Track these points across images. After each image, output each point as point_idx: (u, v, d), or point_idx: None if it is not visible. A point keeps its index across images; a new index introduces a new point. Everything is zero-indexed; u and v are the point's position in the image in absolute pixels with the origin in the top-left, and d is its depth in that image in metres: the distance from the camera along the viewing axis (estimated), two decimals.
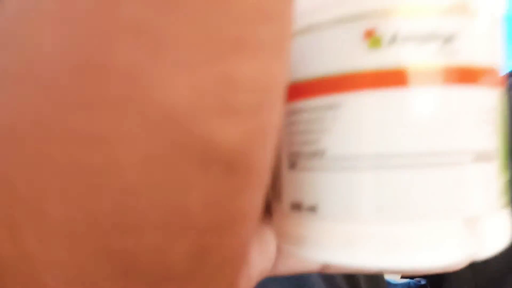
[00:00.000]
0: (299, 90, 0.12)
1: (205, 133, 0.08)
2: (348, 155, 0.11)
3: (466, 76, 0.11)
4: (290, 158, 0.13)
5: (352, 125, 0.11)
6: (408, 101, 0.11)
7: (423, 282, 0.40)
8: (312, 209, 0.12)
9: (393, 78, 0.11)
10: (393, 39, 0.11)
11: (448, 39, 0.11)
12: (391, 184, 0.11)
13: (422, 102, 0.11)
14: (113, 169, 0.08)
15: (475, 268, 0.33)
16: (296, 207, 0.13)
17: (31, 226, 0.09)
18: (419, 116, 0.11)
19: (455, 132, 0.11)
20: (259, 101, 0.08)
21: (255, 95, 0.08)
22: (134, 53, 0.07)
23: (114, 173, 0.08)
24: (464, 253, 0.11)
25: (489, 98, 0.11)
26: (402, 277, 0.43)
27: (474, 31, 0.11)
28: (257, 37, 0.08)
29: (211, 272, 0.10)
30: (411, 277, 0.41)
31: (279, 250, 0.18)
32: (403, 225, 0.11)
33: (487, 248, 0.11)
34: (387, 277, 0.37)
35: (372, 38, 0.11)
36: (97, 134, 0.08)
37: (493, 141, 0.11)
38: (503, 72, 0.12)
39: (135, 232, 0.09)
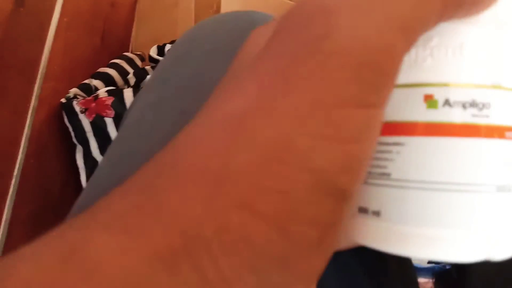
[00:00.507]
0: None
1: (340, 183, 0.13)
2: (405, 178, 0.16)
3: (494, 132, 0.16)
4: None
5: (410, 159, 0.16)
6: (449, 147, 0.16)
7: (448, 267, 0.40)
8: (376, 213, 0.17)
9: (442, 130, 0.16)
10: (445, 103, 0.16)
11: (483, 107, 0.16)
12: (430, 202, 0.16)
13: (459, 148, 0.16)
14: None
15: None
16: (363, 211, 0.18)
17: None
18: (456, 157, 0.16)
19: (482, 171, 0.16)
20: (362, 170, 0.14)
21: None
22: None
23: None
24: (481, 256, 0.16)
25: (509, 148, 0.16)
26: (429, 262, 0.43)
27: (504, 101, 0.16)
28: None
29: (329, 245, 0.13)
30: (437, 262, 0.42)
31: None
32: (438, 230, 0.16)
33: (500, 253, 0.16)
34: (414, 262, 0.37)
35: (430, 101, 0.16)
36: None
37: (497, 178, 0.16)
38: None
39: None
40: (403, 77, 0.17)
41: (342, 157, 0.12)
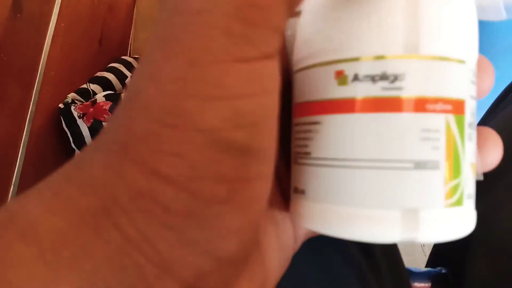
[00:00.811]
0: (299, 110, 0.18)
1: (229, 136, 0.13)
2: (323, 157, 0.16)
3: (407, 105, 0.15)
4: (293, 156, 0.18)
5: (326, 137, 0.16)
6: (361, 123, 0.15)
7: (443, 271, 0.41)
8: (302, 192, 0.17)
9: (353, 106, 0.15)
10: (355, 78, 0.15)
11: (394, 79, 0.15)
12: (347, 179, 0.16)
13: (372, 124, 0.15)
14: None
15: (494, 257, 0.33)
16: (295, 190, 0.18)
17: None
18: (368, 133, 0.15)
19: (396, 146, 0.15)
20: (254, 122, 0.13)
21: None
22: None
23: None
24: (400, 236, 0.15)
25: (432, 121, 0.15)
26: (426, 266, 0.43)
27: (418, 72, 0.15)
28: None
29: (243, 201, 0.13)
30: (433, 266, 0.42)
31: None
32: (355, 208, 0.15)
33: (425, 235, 0.15)
34: (410, 266, 0.37)
35: (340, 77, 0.16)
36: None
37: (435, 155, 0.15)
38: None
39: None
40: (318, 56, 0.16)
41: (231, 113, 0.13)
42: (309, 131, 0.17)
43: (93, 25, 1.00)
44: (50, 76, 0.85)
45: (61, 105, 0.85)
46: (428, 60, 0.15)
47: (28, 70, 0.81)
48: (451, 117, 0.15)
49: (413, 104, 0.15)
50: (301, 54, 0.17)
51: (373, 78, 0.15)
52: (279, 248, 0.19)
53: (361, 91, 0.15)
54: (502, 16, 0.18)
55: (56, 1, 0.90)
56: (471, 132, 0.16)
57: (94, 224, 0.13)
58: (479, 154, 0.18)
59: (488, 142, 0.18)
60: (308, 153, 0.17)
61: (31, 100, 0.82)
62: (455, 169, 0.16)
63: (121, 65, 0.98)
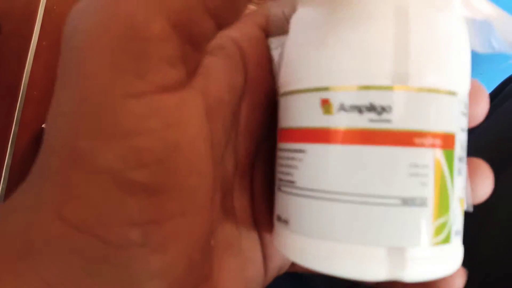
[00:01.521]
0: (283, 135, 0.17)
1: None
2: (307, 187, 0.15)
3: (394, 138, 0.14)
4: (277, 183, 0.17)
5: (311, 167, 0.15)
6: (347, 154, 0.15)
7: None
8: (286, 222, 0.16)
9: (338, 137, 0.15)
10: (341, 108, 0.15)
11: (382, 111, 0.14)
12: (332, 212, 0.15)
13: (359, 156, 0.14)
14: None
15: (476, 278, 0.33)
16: (278, 219, 0.17)
17: None
18: (355, 166, 0.14)
19: (383, 181, 0.14)
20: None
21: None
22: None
23: None
24: (385, 274, 0.14)
25: (420, 156, 0.14)
26: None
27: (406, 105, 0.14)
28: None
29: (160, 242, 0.13)
30: None
31: None
32: (339, 244, 0.15)
33: (411, 274, 0.14)
34: None
35: (326, 105, 0.15)
36: None
37: (423, 191, 0.14)
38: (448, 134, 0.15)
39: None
40: (303, 82, 0.16)
41: (129, 152, 0.12)
42: (293, 158, 0.16)
43: None
44: (33, 95, 0.84)
45: (44, 125, 0.84)
46: (417, 92, 0.14)
47: (10, 90, 0.80)
48: (439, 152, 0.15)
49: (400, 138, 0.14)
50: (286, 78, 0.17)
51: (359, 109, 0.14)
52: (241, 282, 0.19)
53: (347, 121, 0.15)
54: (491, 49, 0.18)
55: (37, 20, 0.89)
56: (460, 166, 0.16)
57: (14, 269, 0.12)
58: (470, 186, 0.17)
59: (479, 174, 0.18)
60: (292, 182, 0.16)
61: (13, 121, 0.81)
62: (444, 206, 0.15)
63: None
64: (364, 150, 0.14)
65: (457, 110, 0.15)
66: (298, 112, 0.16)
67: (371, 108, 0.14)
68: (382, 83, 0.14)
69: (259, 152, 0.20)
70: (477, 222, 0.35)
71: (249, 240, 0.19)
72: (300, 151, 0.16)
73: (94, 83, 0.12)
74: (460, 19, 0.16)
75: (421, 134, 0.14)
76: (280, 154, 0.17)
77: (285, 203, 0.17)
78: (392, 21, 0.14)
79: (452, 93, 0.15)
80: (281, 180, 0.17)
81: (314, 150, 0.15)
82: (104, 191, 0.12)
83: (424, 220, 0.15)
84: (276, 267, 0.20)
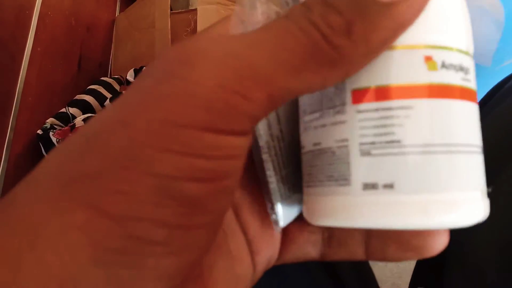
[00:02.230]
0: (373, 94, 0.16)
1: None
2: (420, 143, 0.15)
3: (473, 96, 0.17)
4: (362, 148, 0.16)
5: (421, 122, 0.15)
6: (457, 108, 0.16)
7: None
8: (390, 186, 0.15)
9: (445, 92, 0.16)
10: (443, 65, 0.16)
11: (466, 71, 0.17)
12: (456, 164, 0.16)
13: (465, 110, 0.16)
14: None
15: (467, 276, 0.33)
16: (371, 186, 0.16)
17: None
18: (463, 119, 0.16)
19: (473, 132, 0.16)
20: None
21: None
22: None
23: None
24: (482, 214, 0.16)
25: (478, 111, 0.17)
26: (409, 286, 0.43)
27: (473, 69, 0.17)
28: None
29: (180, 247, 0.14)
30: (414, 286, 0.42)
31: (284, 241, 0.21)
32: (463, 193, 0.16)
33: (485, 214, 0.17)
34: (386, 285, 0.37)
35: (430, 62, 0.16)
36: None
37: (480, 140, 0.17)
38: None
39: None
40: (402, 37, 0.16)
41: (188, 166, 0.13)
42: (393, 116, 0.15)
43: (71, 47, 0.99)
44: (27, 101, 0.84)
45: (39, 131, 0.83)
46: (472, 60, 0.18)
47: (5, 97, 0.80)
48: None
49: (475, 96, 0.17)
50: None
51: (455, 68, 0.16)
52: (231, 281, 0.19)
53: (450, 78, 0.16)
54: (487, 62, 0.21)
55: (31, 26, 0.88)
56: None
57: (16, 260, 0.12)
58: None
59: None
60: (396, 141, 0.15)
61: (8, 127, 0.81)
62: None
63: (101, 87, 0.96)
64: (466, 105, 0.16)
65: None
66: (394, 69, 0.16)
67: (461, 68, 0.16)
68: (468, 49, 0.17)
69: None
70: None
71: (235, 240, 0.20)
72: (405, 107, 0.15)
73: (186, 112, 0.14)
74: None
75: (476, 93, 0.17)
76: (363, 115, 0.16)
77: (386, 166, 0.15)
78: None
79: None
80: (372, 143, 0.16)
81: (425, 105, 0.15)
82: (148, 191, 0.13)
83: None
84: (264, 261, 0.21)
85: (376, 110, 0.16)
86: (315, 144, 0.17)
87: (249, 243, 0.20)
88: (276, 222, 0.19)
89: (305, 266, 0.29)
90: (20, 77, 0.83)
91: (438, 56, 0.16)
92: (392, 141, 0.15)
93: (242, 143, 0.15)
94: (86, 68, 1.03)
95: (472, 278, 0.33)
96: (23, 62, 0.84)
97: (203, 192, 0.14)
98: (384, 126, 0.15)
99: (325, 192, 0.17)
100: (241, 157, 0.15)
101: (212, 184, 0.14)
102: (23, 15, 0.84)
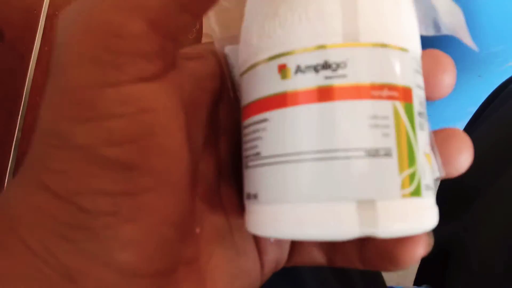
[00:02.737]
0: (246, 112, 0.17)
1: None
2: (273, 154, 0.15)
3: (353, 92, 0.15)
4: (244, 161, 0.17)
5: (274, 133, 0.15)
6: (307, 114, 0.15)
7: None
8: (255, 196, 0.16)
9: (297, 98, 0.15)
10: (298, 70, 0.15)
11: (337, 67, 0.15)
12: (298, 173, 0.15)
13: (319, 114, 0.15)
14: None
15: (471, 277, 0.33)
16: (248, 196, 0.17)
17: None
18: (316, 124, 0.15)
19: (346, 135, 0.14)
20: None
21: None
22: None
23: None
24: (358, 230, 0.14)
25: (380, 108, 0.15)
26: (414, 283, 0.43)
27: (360, 59, 0.15)
28: None
29: (130, 214, 0.14)
30: (419, 284, 0.42)
31: (293, 244, 0.21)
32: (309, 205, 0.15)
33: (384, 229, 0.14)
34: (391, 284, 0.37)
35: (283, 70, 0.15)
36: None
37: (386, 142, 0.15)
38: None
39: None
40: (260, 54, 0.16)
41: (104, 132, 0.14)
42: (257, 130, 0.16)
43: None
44: (35, 101, 0.85)
45: None
46: (369, 47, 0.15)
47: (13, 96, 0.81)
48: (398, 104, 0.15)
49: (358, 91, 0.15)
50: (244, 56, 0.17)
51: (315, 68, 0.15)
52: (233, 272, 0.19)
53: (304, 82, 0.15)
54: (436, 30, 0.19)
55: (39, 26, 0.89)
56: (422, 121, 0.16)
57: (1, 240, 0.14)
58: (449, 156, 0.17)
59: (454, 142, 0.18)
60: (258, 154, 0.16)
61: (16, 127, 0.81)
62: (409, 157, 0.15)
63: None
64: (323, 107, 0.15)
65: (410, 66, 0.16)
66: (258, 84, 0.16)
67: (326, 65, 0.15)
68: (334, 41, 0.15)
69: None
70: (483, 215, 0.35)
71: (242, 234, 0.20)
72: (263, 120, 0.16)
73: (74, 74, 0.14)
74: None
75: (377, 87, 0.15)
76: (244, 132, 0.17)
77: (253, 178, 0.17)
78: None
79: (404, 50, 0.16)
80: (247, 157, 0.17)
81: (276, 116, 0.16)
82: (80, 165, 0.14)
83: (390, 171, 0.15)
84: (272, 260, 0.21)
85: (250, 125, 0.17)
86: None
87: (257, 241, 0.20)
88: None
89: (316, 267, 0.29)
90: (28, 76, 0.84)
91: (292, 62, 0.15)
92: (256, 154, 0.16)
93: (150, 92, 0.14)
94: None
95: (475, 279, 0.33)
96: (31, 62, 0.84)
97: (130, 155, 0.14)
98: (253, 139, 0.16)
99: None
100: (162, 109, 0.15)
101: (136, 144, 0.14)
102: (31, 16, 0.85)
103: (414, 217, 0.15)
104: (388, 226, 0.14)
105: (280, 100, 0.15)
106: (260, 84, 0.16)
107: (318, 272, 0.29)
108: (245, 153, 0.17)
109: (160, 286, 0.15)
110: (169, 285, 0.16)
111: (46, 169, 0.14)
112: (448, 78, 0.18)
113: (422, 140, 0.16)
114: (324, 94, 0.15)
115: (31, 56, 0.84)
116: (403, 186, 0.15)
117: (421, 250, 0.17)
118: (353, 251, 0.20)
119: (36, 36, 0.86)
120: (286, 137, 0.15)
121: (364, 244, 0.19)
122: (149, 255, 0.15)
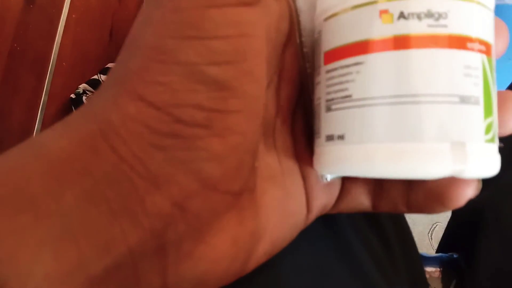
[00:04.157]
0: (336, 54, 0.17)
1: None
2: (366, 96, 0.16)
3: (452, 42, 0.16)
4: (326, 104, 0.18)
5: (368, 76, 0.16)
6: (410, 59, 0.16)
7: (455, 255, 0.41)
8: (341, 137, 0.17)
9: (401, 43, 0.16)
10: (400, 16, 0.16)
11: (439, 17, 0.16)
12: (399, 114, 0.16)
13: (419, 60, 0.16)
14: None
15: (505, 241, 0.34)
16: (330, 138, 0.17)
17: None
18: (418, 69, 0.16)
19: (444, 81, 0.16)
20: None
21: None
22: None
23: None
24: (450, 168, 0.16)
25: (472, 59, 0.16)
26: (437, 251, 0.43)
27: (459, 12, 0.16)
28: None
29: (220, 129, 0.15)
30: (444, 252, 0.42)
31: (341, 190, 0.22)
32: (406, 143, 0.16)
33: (471, 169, 0.16)
34: (421, 250, 0.37)
35: (385, 15, 0.16)
36: None
37: (476, 90, 0.16)
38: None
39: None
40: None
41: (206, 51, 0.14)
42: (348, 73, 0.17)
43: (103, 16, 1.01)
44: (62, 66, 0.86)
45: (72, 95, 0.86)
46: (468, 2, 0.16)
47: (41, 60, 0.82)
48: (485, 58, 0.16)
49: (457, 41, 0.16)
50: (330, 0, 0.18)
51: (418, 16, 0.16)
52: (282, 212, 0.20)
53: (408, 28, 0.16)
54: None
55: None
56: (494, 77, 0.17)
57: (93, 146, 0.15)
58: (502, 116, 0.18)
59: (508, 106, 0.18)
60: (348, 96, 0.17)
61: (43, 90, 0.83)
62: (489, 107, 0.16)
63: None
64: (426, 53, 0.16)
65: (492, 24, 0.17)
66: (353, 28, 0.17)
67: (429, 14, 0.16)
68: None
69: (299, 101, 0.21)
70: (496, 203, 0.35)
71: (292, 178, 0.20)
72: (357, 63, 0.16)
73: None
74: None
75: (472, 39, 0.16)
76: (329, 75, 0.18)
77: (339, 120, 0.17)
78: None
79: (489, 9, 0.17)
80: (332, 99, 0.17)
81: (374, 59, 0.16)
82: (180, 79, 0.14)
83: (477, 117, 0.16)
84: (319, 207, 0.21)
85: (338, 68, 0.17)
86: (315, 99, 0.19)
87: (307, 186, 0.21)
88: (322, 176, 0.21)
89: (352, 217, 0.29)
90: (56, 42, 0.85)
91: (395, 7, 0.16)
92: (345, 96, 0.17)
93: (252, 17, 0.15)
94: (117, 39, 1.05)
95: (509, 243, 0.33)
96: (59, 28, 0.86)
97: (227, 76, 0.15)
98: (341, 83, 0.17)
99: (315, 144, 0.19)
100: (256, 36, 0.15)
101: (233, 66, 0.15)
102: None
103: (491, 161, 0.17)
104: (474, 167, 0.16)
105: (380, 44, 0.16)
106: (356, 28, 0.17)
107: (354, 221, 0.29)
108: (327, 96, 0.18)
109: (229, 205, 0.17)
110: (235, 208, 0.17)
111: (145, 81, 0.15)
112: (501, 43, 0.19)
113: (495, 94, 0.17)
114: (427, 41, 0.16)
115: (59, 21, 0.86)
116: (486, 132, 0.16)
117: (472, 191, 0.18)
118: (399, 195, 0.20)
119: (65, 1, 0.87)
120: (386, 79, 0.16)
121: (412, 188, 0.20)
122: (230, 172, 0.16)
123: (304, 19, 0.20)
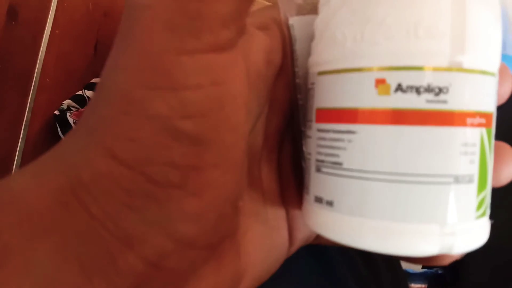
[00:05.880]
0: (328, 115, 0.17)
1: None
2: (357, 168, 0.15)
3: (450, 119, 0.15)
4: (316, 164, 0.17)
5: (363, 148, 0.15)
6: (403, 135, 0.15)
7: (440, 271, 0.41)
8: (330, 203, 0.16)
9: (396, 118, 0.15)
10: (398, 88, 0.15)
11: (439, 91, 0.15)
12: (388, 193, 0.15)
13: (416, 137, 0.15)
14: None
15: (489, 257, 0.34)
16: (318, 200, 0.17)
17: None
18: (413, 147, 0.15)
19: (440, 161, 0.15)
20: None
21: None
22: None
23: None
24: (438, 248, 0.15)
25: (471, 136, 0.15)
26: (422, 267, 0.43)
27: (461, 86, 0.15)
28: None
29: (196, 188, 0.14)
30: (430, 268, 0.42)
31: None
32: (394, 223, 0.15)
33: (459, 247, 0.15)
34: (406, 267, 0.37)
35: (381, 86, 0.15)
36: None
37: (471, 168, 0.15)
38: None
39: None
40: (354, 60, 0.16)
41: (178, 103, 0.13)
42: (339, 139, 0.16)
43: (88, 31, 1.00)
44: (45, 83, 0.86)
45: (56, 112, 0.85)
46: (471, 74, 0.15)
47: (24, 77, 0.82)
48: (484, 131, 0.16)
49: (456, 118, 0.15)
50: (327, 55, 0.17)
51: (417, 90, 0.15)
52: (265, 247, 0.19)
53: (405, 102, 0.15)
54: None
55: (51, 8, 0.90)
56: (492, 145, 0.17)
57: (64, 202, 0.14)
58: (496, 168, 0.18)
59: (504, 158, 0.18)
60: (338, 163, 0.16)
61: (26, 107, 0.82)
62: (484, 181, 0.16)
63: None
64: (422, 131, 0.15)
65: (495, 90, 0.16)
66: (347, 92, 0.16)
67: (429, 89, 0.15)
68: (440, 64, 0.15)
69: (287, 131, 0.21)
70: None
71: (275, 211, 0.20)
72: (349, 132, 0.16)
73: (151, 40, 0.13)
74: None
75: (472, 114, 0.15)
76: (320, 134, 0.17)
77: (329, 185, 0.16)
78: (449, 1, 0.15)
79: (493, 75, 0.16)
80: (322, 161, 0.17)
81: (367, 131, 0.15)
82: (152, 134, 0.13)
83: (471, 196, 0.15)
84: (302, 238, 0.21)
85: (330, 131, 0.16)
86: (306, 153, 0.19)
87: (289, 218, 0.20)
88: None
89: (344, 250, 0.29)
90: (39, 58, 0.84)
91: (393, 78, 0.15)
92: (336, 163, 0.16)
93: (226, 62, 0.14)
94: (102, 53, 1.04)
95: (493, 258, 0.33)
96: (42, 44, 0.85)
97: (202, 128, 0.14)
98: (332, 147, 0.16)
99: (304, 198, 0.19)
100: (232, 81, 0.14)
101: (208, 117, 0.14)
102: None
103: (480, 235, 0.16)
104: (463, 244, 0.16)
105: (374, 116, 0.15)
106: (349, 93, 0.16)
107: (344, 250, 0.29)
108: (317, 157, 0.17)
109: (207, 257, 0.16)
110: (214, 256, 0.17)
111: (115, 136, 0.14)
112: (504, 88, 0.18)
113: (492, 162, 0.17)
114: (424, 118, 0.15)
115: (42, 37, 0.85)
116: (478, 208, 0.16)
117: (457, 257, 0.18)
118: None
119: (48, 17, 0.86)
120: (376, 154, 0.15)
121: None
122: (207, 229, 0.15)
123: (299, 47, 0.19)
